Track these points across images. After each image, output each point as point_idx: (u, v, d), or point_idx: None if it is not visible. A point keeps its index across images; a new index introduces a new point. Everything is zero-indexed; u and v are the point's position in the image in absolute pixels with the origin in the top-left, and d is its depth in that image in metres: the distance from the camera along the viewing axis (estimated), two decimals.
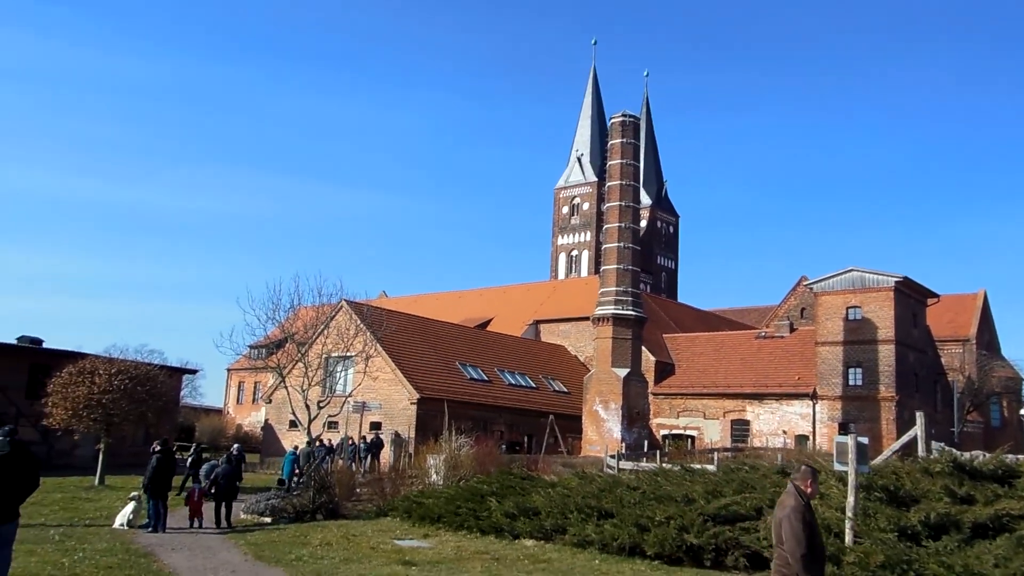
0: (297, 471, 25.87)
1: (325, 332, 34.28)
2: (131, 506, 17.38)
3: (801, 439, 41.42)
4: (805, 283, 51.88)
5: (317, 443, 28.48)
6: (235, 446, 23.84)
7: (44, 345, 37.49)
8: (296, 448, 29.63)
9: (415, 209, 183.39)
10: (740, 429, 44.51)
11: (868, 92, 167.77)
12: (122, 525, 17.00)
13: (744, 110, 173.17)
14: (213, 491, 18.58)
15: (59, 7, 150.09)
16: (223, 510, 18.33)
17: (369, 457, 31.68)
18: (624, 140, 44.04)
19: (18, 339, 37.18)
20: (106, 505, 20.37)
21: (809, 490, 7.03)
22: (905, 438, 16.36)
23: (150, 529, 16.68)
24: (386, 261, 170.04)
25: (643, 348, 44.75)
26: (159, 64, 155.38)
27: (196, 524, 18.04)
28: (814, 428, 41.63)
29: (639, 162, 46.10)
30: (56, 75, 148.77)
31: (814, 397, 42.08)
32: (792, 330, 48.03)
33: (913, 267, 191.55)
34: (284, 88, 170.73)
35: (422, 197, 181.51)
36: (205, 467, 20.68)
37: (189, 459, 25.49)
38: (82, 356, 28.70)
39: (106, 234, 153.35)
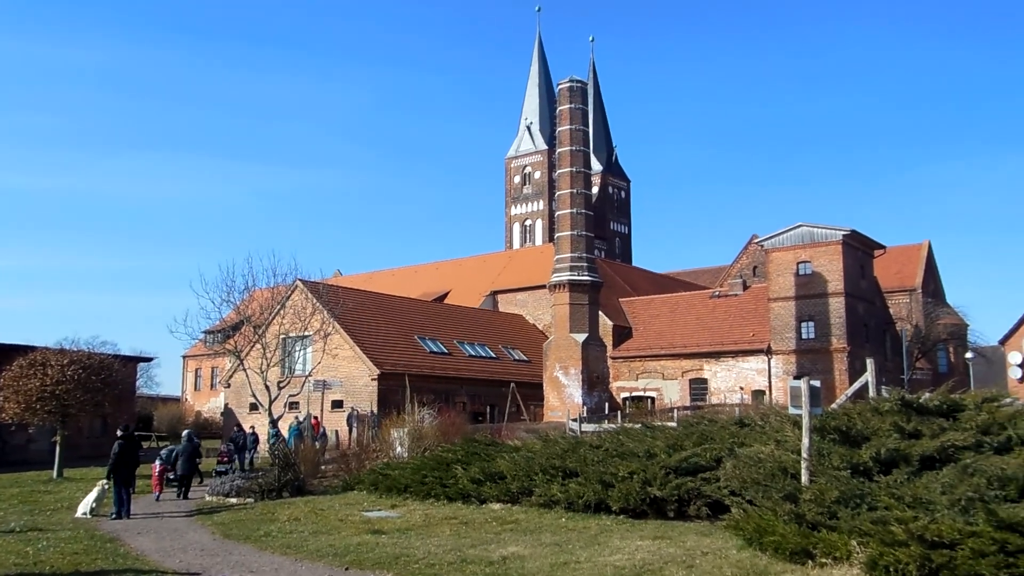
0: (225, 458, 25.79)
1: (281, 312, 33.99)
2: (95, 493, 17.19)
3: (758, 394, 42.33)
4: (756, 241, 52.66)
5: (237, 429, 28.61)
6: (185, 432, 24.12)
7: None
8: (300, 421, 30.39)
9: (365, 185, 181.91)
10: (699, 388, 45.31)
11: (807, 46, 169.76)
12: (85, 514, 16.81)
13: (688, 71, 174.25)
14: (174, 468, 20.62)
15: None
16: (185, 484, 20.34)
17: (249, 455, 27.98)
18: (572, 106, 44.10)
19: None
20: (67, 496, 20.14)
21: None
22: (857, 384, 16.85)
23: (114, 516, 16.54)
24: (339, 239, 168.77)
25: (600, 313, 45.17)
26: (88, 50, 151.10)
27: (157, 497, 19.92)
28: (770, 383, 42.54)
29: (588, 127, 46.20)
30: None
31: (769, 352, 42.94)
32: (745, 288, 48.86)
33: (860, 219, 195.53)
34: (220, 69, 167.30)
35: (371, 173, 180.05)
36: (164, 452, 21.98)
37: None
38: (32, 349, 28.16)
39: (45, 228, 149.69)
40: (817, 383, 11.97)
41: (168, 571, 10.72)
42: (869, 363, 15.49)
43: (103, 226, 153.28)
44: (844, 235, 41.57)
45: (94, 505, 17.00)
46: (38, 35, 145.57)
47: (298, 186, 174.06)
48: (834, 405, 15.91)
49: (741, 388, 43.22)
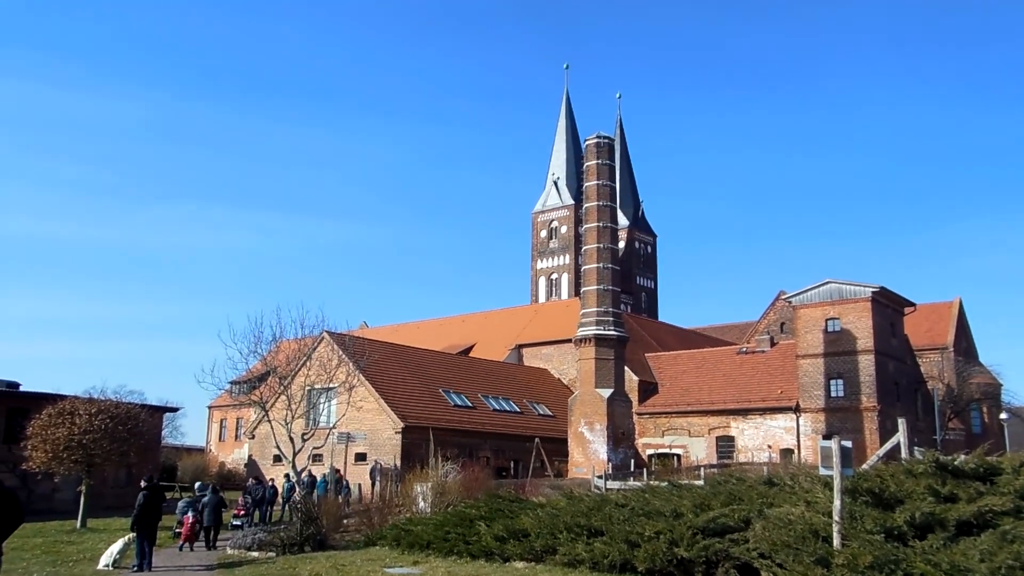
0: (243, 510, 25.66)
1: (307, 364, 34.10)
2: (118, 545, 17.14)
3: (786, 452, 41.56)
4: (783, 297, 52.29)
5: (255, 482, 28.63)
6: (197, 484, 24.30)
7: (21, 388, 36.96)
8: (325, 475, 30.45)
9: (393, 238, 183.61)
10: (725, 445, 44.59)
11: (838, 105, 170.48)
12: (107, 566, 16.75)
13: (715, 128, 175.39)
14: (201, 519, 20.90)
15: (30, 50, 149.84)
16: (211, 534, 20.76)
17: (264, 509, 27.68)
18: (599, 161, 44.42)
19: None
20: (89, 547, 20.06)
21: None
22: (888, 445, 16.50)
23: (136, 568, 16.45)
24: (366, 291, 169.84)
25: (626, 368, 44.84)
26: (130, 103, 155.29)
27: (188, 548, 20.13)
28: (798, 441, 41.79)
29: (615, 183, 46.46)
30: (29, 117, 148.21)
31: (797, 410, 42.29)
32: (773, 344, 48.33)
33: (889, 277, 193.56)
34: (256, 121, 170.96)
35: (400, 226, 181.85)
36: (181, 504, 22.17)
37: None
38: (61, 398, 28.37)
39: (82, 275, 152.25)
40: (848, 443, 11.74)
41: None
42: (901, 423, 15.18)
43: (134, 275, 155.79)
44: (873, 292, 41.17)
45: (117, 557, 16.94)
46: (83, 88, 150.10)
47: (327, 238, 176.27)
48: (865, 466, 15.57)
49: (769, 446, 42.48)
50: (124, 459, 27.33)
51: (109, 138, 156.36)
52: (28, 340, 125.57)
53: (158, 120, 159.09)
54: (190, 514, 20.89)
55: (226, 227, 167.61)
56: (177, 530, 22.17)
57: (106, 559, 16.99)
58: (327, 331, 35.56)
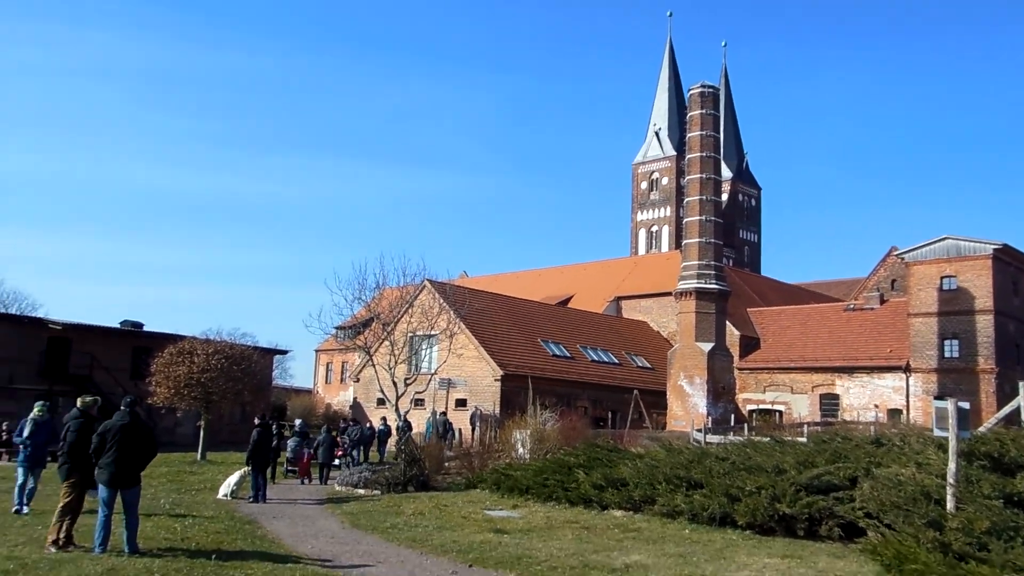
0: (343, 451, 26.57)
1: (409, 311, 34.88)
2: (235, 477, 18.14)
3: (894, 413, 40.31)
4: (896, 253, 50.15)
5: (352, 422, 29.61)
6: (298, 421, 25.46)
7: (145, 328, 39.21)
8: (433, 416, 31.56)
9: (494, 189, 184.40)
10: (830, 403, 43.55)
11: (956, 58, 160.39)
12: (225, 496, 17.75)
13: (825, 79, 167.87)
14: (316, 456, 22.55)
15: (147, 4, 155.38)
16: (324, 471, 22.18)
17: (359, 450, 28.06)
18: (703, 111, 43.31)
19: (120, 323, 38.97)
20: (209, 478, 21.31)
21: None
22: (1008, 408, 15.74)
23: (251, 500, 17.40)
24: (466, 241, 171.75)
25: (727, 322, 44.16)
26: (240, 56, 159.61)
27: (305, 482, 21.78)
28: (908, 402, 40.45)
29: (719, 134, 45.25)
30: (149, 72, 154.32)
31: (907, 370, 40.84)
32: (883, 302, 46.63)
33: (1012, 235, 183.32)
34: (365, 75, 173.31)
35: (501, 177, 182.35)
36: (291, 442, 23.60)
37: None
38: (181, 338, 29.95)
39: (198, 223, 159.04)
40: (966, 404, 11.28)
41: (301, 556, 11.17)
42: (1022, 386, 14.46)
43: (248, 224, 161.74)
44: (995, 249, 39.09)
45: (234, 488, 17.92)
46: (197, 40, 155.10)
47: (430, 188, 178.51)
48: (982, 429, 14.95)
49: (876, 406, 41.27)
50: (239, 397, 28.75)
51: (220, 91, 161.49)
52: (150, 284, 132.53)
53: (265, 73, 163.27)
54: (305, 452, 22.40)
55: (333, 176, 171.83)
56: (289, 468, 23.32)
57: (224, 489, 18.01)
58: (428, 279, 36.20)
